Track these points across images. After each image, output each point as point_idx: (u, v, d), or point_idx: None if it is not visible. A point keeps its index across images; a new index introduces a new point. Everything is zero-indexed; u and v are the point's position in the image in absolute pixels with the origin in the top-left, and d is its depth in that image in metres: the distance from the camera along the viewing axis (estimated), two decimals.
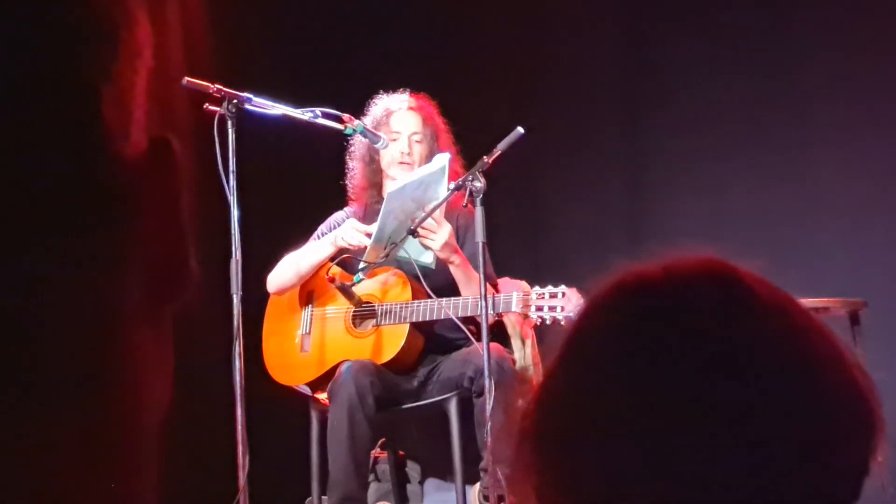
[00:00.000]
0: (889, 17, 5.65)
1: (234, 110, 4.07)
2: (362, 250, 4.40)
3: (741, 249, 1.00)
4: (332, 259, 4.55)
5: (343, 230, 4.47)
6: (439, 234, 4.35)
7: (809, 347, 0.95)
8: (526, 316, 4.36)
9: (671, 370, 0.93)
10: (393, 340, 4.48)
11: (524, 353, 4.59)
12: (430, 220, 4.33)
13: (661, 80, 6.06)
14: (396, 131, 4.60)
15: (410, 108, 4.66)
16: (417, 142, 4.61)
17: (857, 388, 0.95)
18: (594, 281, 1.00)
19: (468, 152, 4.48)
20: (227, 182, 4.02)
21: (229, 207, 4.02)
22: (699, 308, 0.95)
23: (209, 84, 4.09)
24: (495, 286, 4.46)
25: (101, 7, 0.63)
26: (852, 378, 0.95)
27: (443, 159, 4.42)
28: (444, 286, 4.41)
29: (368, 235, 4.40)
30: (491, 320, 4.17)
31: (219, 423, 4.25)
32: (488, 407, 4.08)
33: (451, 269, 4.43)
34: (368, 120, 4.58)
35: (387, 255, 4.36)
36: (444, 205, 4.37)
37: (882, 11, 5.66)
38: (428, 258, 4.40)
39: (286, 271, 4.61)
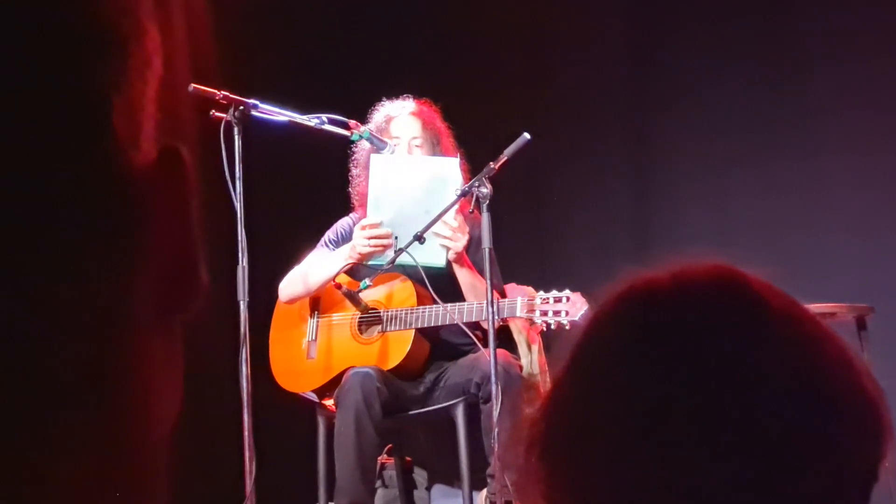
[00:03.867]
0: (894, 25, 5.65)
1: (240, 117, 4.07)
2: (382, 252, 4.41)
3: (748, 256, 1.00)
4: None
5: (356, 242, 4.46)
6: (464, 237, 4.37)
7: (818, 354, 0.95)
8: (532, 321, 4.36)
9: (679, 378, 0.93)
10: (398, 346, 4.48)
11: (531, 360, 4.59)
12: (452, 220, 4.33)
13: (667, 86, 6.06)
14: (396, 136, 4.60)
15: (411, 113, 4.67)
16: (417, 146, 4.61)
17: (865, 394, 0.95)
18: (602, 288, 1.00)
19: (474, 158, 4.48)
20: (234, 188, 4.02)
21: (236, 214, 4.02)
22: (708, 315, 0.95)
23: (215, 90, 4.10)
24: (502, 292, 4.46)
25: (111, 17, 0.63)
26: (861, 385, 0.95)
27: (452, 161, 4.43)
28: (451, 291, 4.41)
29: (375, 227, 4.41)
30: (496, 325, 4.17)
31: (226, 429, 4.25)
32: (495, 413, 4.07)
33: (458, 273, 4.43)
34: (371, 127, 4.59)
35: (392, 262, 4.36)
36: (460, 210, 4.38)
37: (889, 20, 5.66)
38: (440, 259, 4.40)
39: (295, 283, 4.61)
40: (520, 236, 5.99)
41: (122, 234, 0.63)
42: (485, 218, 4.17)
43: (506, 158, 4.19)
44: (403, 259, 4.34)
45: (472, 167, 4.45)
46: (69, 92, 0.61)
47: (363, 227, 4.44)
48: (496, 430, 4.09)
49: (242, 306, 4.02)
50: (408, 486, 4.91)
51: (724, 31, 5.95)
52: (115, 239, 0.62)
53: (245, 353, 3.99)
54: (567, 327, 4.24)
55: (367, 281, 4.36)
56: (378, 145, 4.49)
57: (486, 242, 4.16)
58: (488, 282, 4.12)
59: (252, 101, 4.14)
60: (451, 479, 4.74)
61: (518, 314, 4.34)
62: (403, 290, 4.54)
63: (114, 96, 0.63)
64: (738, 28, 5.93)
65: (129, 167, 0.63)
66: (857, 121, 5.68)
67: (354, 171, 4.74)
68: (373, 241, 4.41)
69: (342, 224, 4.71)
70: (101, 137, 0.62)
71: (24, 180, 0.60)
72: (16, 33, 0.60)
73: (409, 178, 4.42)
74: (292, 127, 4.29)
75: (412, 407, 4.51)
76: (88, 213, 0.61)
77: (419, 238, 4.25)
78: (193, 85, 4.13)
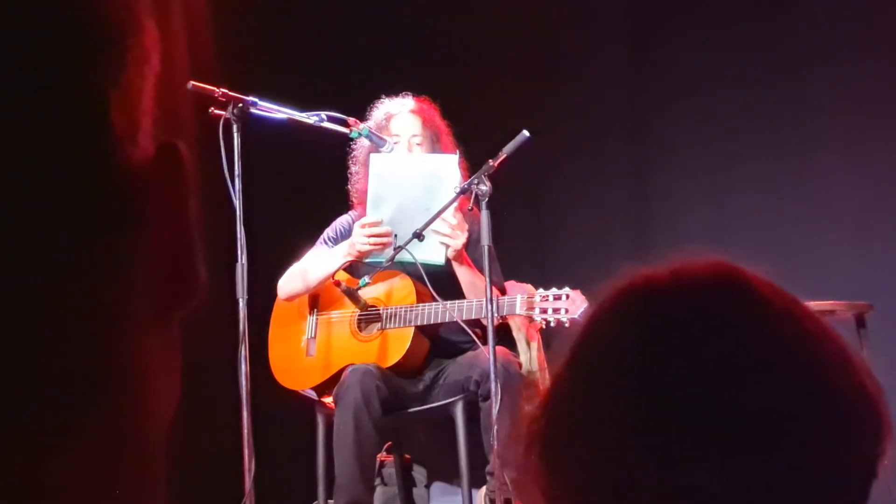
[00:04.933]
0: (894, 25, 5.65)
1: (239, 114, 4.07)
2: (381, 250, 4.41)
3: (747, 254, 1.00)
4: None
5: (355, 240, 4.46)
6: (463, 234, 4.37)
7: (817, 351, 0.95)
8: (531, 319, 4.36)
9: (678, 374, 0.92)
10: (398, 344, 4.48)
11: (530, 357, 4.59)
12: (451, 218, 4.33)
13: (666, 85, 6.05)
14: (397, 134, 4.60)
15: (411, 111, 4.66)
16: (417, 144, 4.61)
17: (864, 391, 0.95)
18: (601, 285, 0.99)
19: (473, 156, 4.48)
20: (233, 186, 4.02)
21: (235, 211, 4.01)
22: (707, 312, 0.95)
23: (214, 88, 4.09)
24: (502, 290, 4.45)
25: (109, 13, 0.63)
26: (860, 381, 0.95)
27: (451, 158, 4.43)
28: (450, 289, 4.41)
29: (375, 225, 4.41)
30: (495, 323, 4.17)
31: (224, 427, 4.25)
32: (494, 410, 4.07)
33: (458, 271, 4.43)
34: (371, 124, 4.59)
35: (391, 259, 4.36)
36: (459, 207, 4.38)
37: (887, 19, 5.66)
38: (439, 256, 4.40)
39: (294, 280, 4.61)
40: (519, 234, 5.99)
41: (119, 229, 0.63)
42: (484, 215, 4.17)
43: (505, 156, 4.19)
44: (403, 256, 4.34)
45: (472, 165, 4.45)
46: (67, 87, 0.61)
47: (363, 226, 4.44)
48: (495, 427, 4.09)
49: (241, 304, 4.01)
50: (407, 483, 4.91)
51: (723, 30, 5.94)
52: (113, 235, 0.62)
53: (244, 351, 3.99)
54: (567, 325, 4.23)
55: (366, 278, 4.35)
56: (377, 143, 4.49)
57: (486, 240, 4.16)
58: (487, 279, 4.12)
59: (251, 98, 4.13)
60: (451, 476, 4.74)
61: (518, 312, 4.33)
62: (403, 287, 4.53)
63: (111, 92, 0.63)
64: (738, 27, 5.93)
65: (127, 163, 0.63)
66: (856, 119, 5.68)
67: (353, 169, 4.74)
68: (372, 240, 4.41)
69: (341, 222, 4.71)
70: (99, 134, 0.62)
71: (20, 175, 0.60)
72: (14, 28, 0.60)
73: (408, 176, 4.42)
74: (291, 124, 4.29)
75: (411, 404, 4.51)
76: (86, 209, 0.61)
77: (418, 236, 4.25)
78: (192, 82, 4.13)
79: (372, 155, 4.47)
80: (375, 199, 4.43)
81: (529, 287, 4.53)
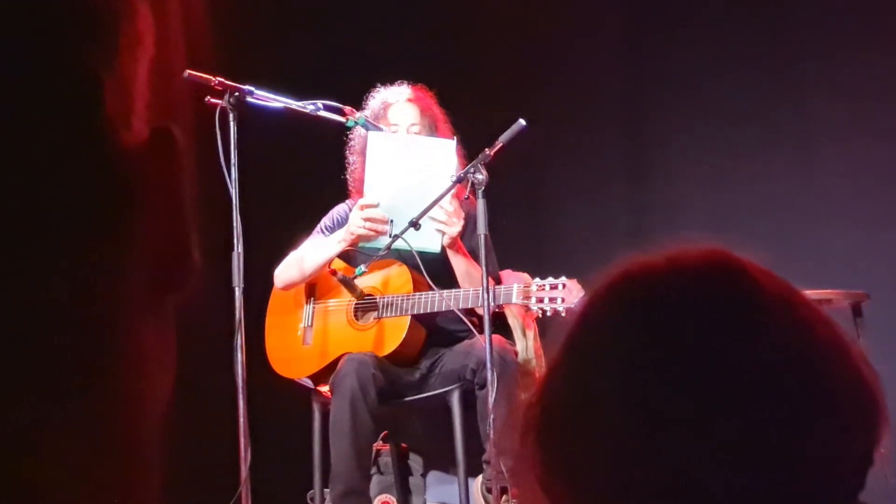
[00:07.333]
0: (892, 14, 5.65)
1: (235, 103, 4.06)
2: (376, 236, 4.40)
3: (744, 242, 1.00)
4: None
5: (352, 223, 4.45)
6: (459, 222, 4.37)
7: (814, 339, 0.95)
8: (527, 308, 4.36)
9: (674, 361, 0.92)
10: (394, 333, 4.48)
11: (526, 345, 4.59)
12: (448, 205, 4.33)
13: (662, 74, 6.05)
14: (395, 123, 4.60)
15: (408, 100, 4.66)
16: (416, 133, 4.61)
17: (861, 379, 0.95)
18: (598, 272, 0.99)
19: (470, 145, 4.48)
20: (229, 174, 4.02)
21: (231, 200, 4.01)
22: (703, 299, 0.95)
23: (211, 77, 4.09)
24: (497, 279, 4.45)
25: None
26: (856, 369, 0.95)
27: (448, 144, 4.43)
28: (446, 277, 4.41)
29: (373, 208, 4.41)
30: (492, 312, 4.17)
31: (221, 416, 4.25)
32: (491, 399, 4.08)
33: (453, 260, 4.43)
34: (367, 113, 4.58)
35: (388, 248, 4.36)
36: (455, 196, 4.38)
37: (885, 8, 5.66)
38: (435, 244, 4.40)
39: (291, 269, 4.60)
40: (516, 223, 5.99)
41: (113, 215, 0.62)
42: (480, 204, 4.17)
43: (501, 145, 4.19)
44: (398, 244, 4.34)
45: (468, 153, 4.45)
46: (59, 72, 0.61)
47: (361, 208, 4.42)
48: (492, 416, 4.09)
49: (237, 292, 4.01)
50: (403, 472, 4.91)
51: (719, 18, 5.94)
52: (107, 219, 0.62)
53: (240, 340, 3.99)
54: (563, 314, 4.23)
55: (362, 267, 4.35)
56: (373, 131, 4.48)
57: (482, 229, 4.16)
58: (483, 268, 4.12)
59: (247, 87, 4.13)
60: (447, 465, 4.74)
61: (514, 301, 4.33)
62: (400, 276, 4.53)
63: (105, 76, 0.62)
64: (734, 15, 5.93)
65: (121, 147, 0.63)
66: (854, 108, 5.68)
67: (351, 158, 4.73)
68: (368, 224, 4.41)
69: (338, 210, 4.71)
70: (93, 117, 0.62)
71: (14, 160, 0.60)
72: (6, 12, 0.60)
73: (406, 158, 4.41)
74: (288, 113, 4.28)
75: (408, 393, 4.51)
76: (79, 193, 0.61)
77: (415, 224, 4.24)
78: (189, 71, 4.12)
79: (370, 133, 4.46)
80: (373, 179, 4.43)
81: (526, 276, 4.52)
